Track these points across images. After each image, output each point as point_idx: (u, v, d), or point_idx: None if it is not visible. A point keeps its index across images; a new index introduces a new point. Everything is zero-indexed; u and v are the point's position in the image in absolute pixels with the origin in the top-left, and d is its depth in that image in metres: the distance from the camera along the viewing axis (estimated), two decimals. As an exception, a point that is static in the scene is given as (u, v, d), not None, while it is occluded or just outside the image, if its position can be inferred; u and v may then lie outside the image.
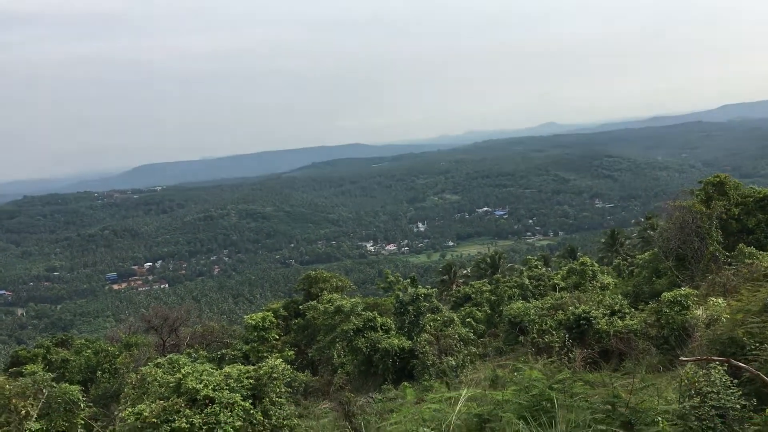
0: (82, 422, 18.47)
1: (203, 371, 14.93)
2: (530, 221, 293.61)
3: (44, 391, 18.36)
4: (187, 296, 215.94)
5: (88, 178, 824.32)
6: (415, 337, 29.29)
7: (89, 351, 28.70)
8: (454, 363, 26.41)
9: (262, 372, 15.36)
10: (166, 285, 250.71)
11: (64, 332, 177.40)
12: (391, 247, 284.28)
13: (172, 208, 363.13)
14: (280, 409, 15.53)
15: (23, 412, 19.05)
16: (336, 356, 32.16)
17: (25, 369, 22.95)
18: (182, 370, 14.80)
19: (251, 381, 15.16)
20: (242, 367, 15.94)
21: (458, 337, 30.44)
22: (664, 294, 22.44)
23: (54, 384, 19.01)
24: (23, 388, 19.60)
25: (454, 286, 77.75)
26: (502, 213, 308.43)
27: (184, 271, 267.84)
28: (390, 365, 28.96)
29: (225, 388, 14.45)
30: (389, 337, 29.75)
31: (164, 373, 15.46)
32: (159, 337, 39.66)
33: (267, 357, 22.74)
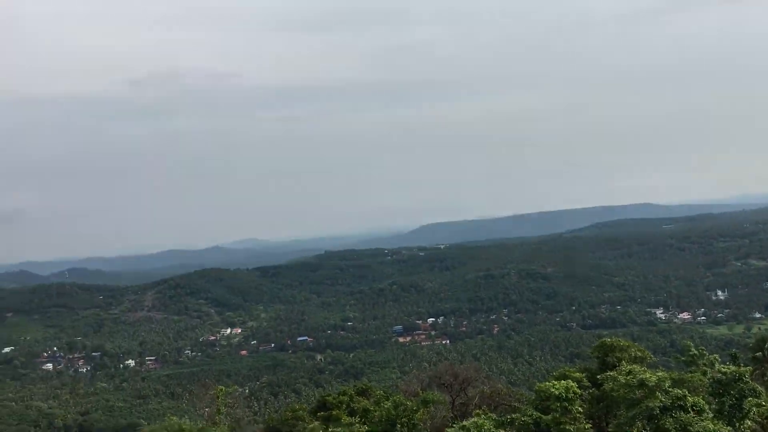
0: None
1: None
2: None
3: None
4: (467, 354, 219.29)
5: (380, 236, 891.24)
6: (737, 424, 25.42)
7: (389, 403, 29.78)
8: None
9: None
10: (448, 341, 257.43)
11: (356, 380, 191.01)
12: (685, 315, 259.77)
13: (454, 266, 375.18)
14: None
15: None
16: (637, 435, 29.26)
17: (342, 419, 24.34)
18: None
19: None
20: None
21: (791, 429, 25.88)
22: None
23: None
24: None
25: (770, 365, 67.59)
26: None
27: (464, 329, 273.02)
28: (704, 453, 25.43)
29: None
30: (702, 420, 26.26)
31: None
32: (449, 394, 40.16)
33: (569, 430, 21.36)
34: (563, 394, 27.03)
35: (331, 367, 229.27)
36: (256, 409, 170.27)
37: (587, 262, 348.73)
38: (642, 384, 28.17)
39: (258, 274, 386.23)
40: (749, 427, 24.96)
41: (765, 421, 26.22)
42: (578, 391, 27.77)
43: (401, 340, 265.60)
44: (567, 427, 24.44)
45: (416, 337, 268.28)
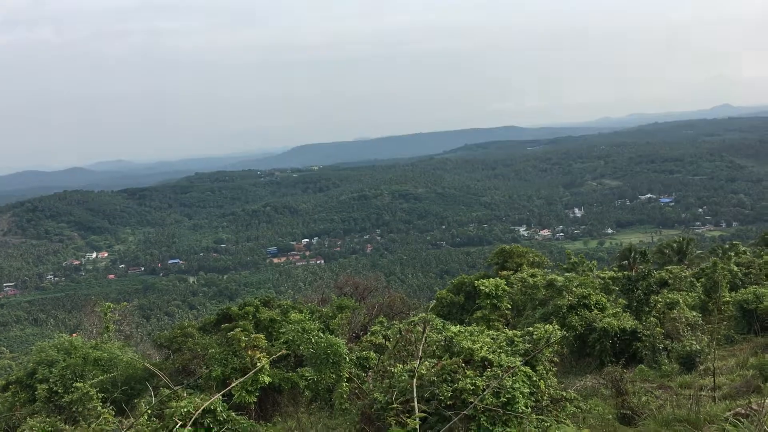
0: (347, 375, 17.96)
1: (473, 331, 13.66)
2: (700, 210, 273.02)
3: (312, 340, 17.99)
4: (341, 273, 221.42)
5: (252, 157, 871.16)
6: (644, 318, 26.61)
7: (301, 314, 28.59)
8: (698, 347, 23.54)
9: (536, 336, 13.85)
10: (322, 261, 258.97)
11: (231, 300, 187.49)
12: (545, 232, 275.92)
13: (328, 187, 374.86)
14: (549, 378, 13.91)
15: (257, 364, 19.04)
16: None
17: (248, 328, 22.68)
18: (451, 329, 13.61)
19: (527, 346, 13.65)
20: (510, 330, 14.50)
21: (685, 320, 27.49)
22: None
23: (321, 335, 18.68)
24: (255, 341, 19.71)
25: (634, 271, 73.18)
26: (667, 201, 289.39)
27: (338, 248, 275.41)
28: (608, 347, 26.54)
29: (499, 350, 13.06)
30: (605, 317, 27.32)
31: (430, 331, 14.34)
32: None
33: (498, 326, 21.23)
34: (493, 291, 27.16)
35: (204, 289, 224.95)
36: (128, 332, 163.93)
37: (457, 182, 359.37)
38: (551, 284, 28.79)
39: (124, 196, 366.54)
40: (652, 322, 26.08)
41: (660, 315, 27.52)
42: (507, 288, 27.99)
43: (276, 261, 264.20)
44: (496, 324, 24.59)
45: (291, 258, 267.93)
